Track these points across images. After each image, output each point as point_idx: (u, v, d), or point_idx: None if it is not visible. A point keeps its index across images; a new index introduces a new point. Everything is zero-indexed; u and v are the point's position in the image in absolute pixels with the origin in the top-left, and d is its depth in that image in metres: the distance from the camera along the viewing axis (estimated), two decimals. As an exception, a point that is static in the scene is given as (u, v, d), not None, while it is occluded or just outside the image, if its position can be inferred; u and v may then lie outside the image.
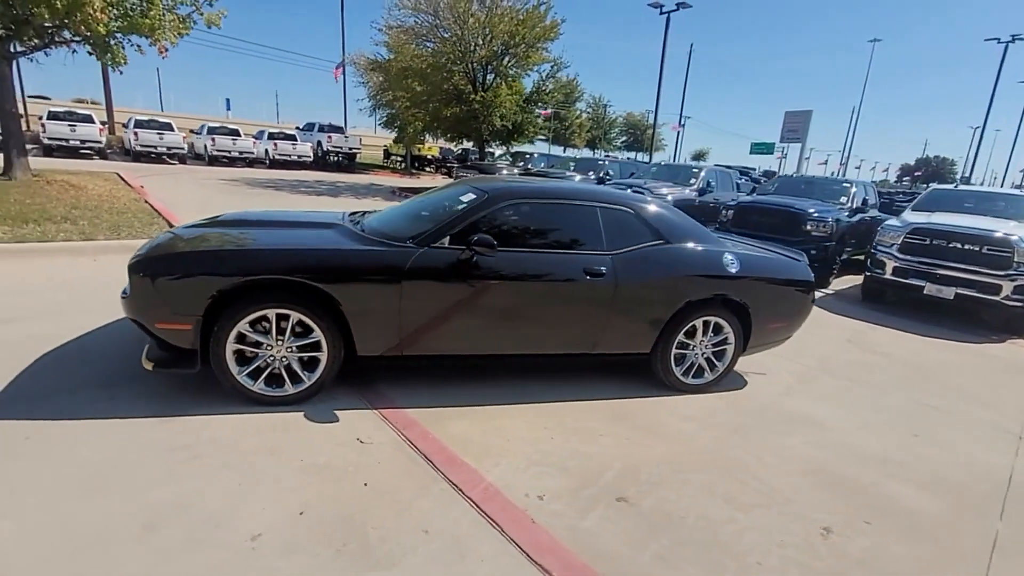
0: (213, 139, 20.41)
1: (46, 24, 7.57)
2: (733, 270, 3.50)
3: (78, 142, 17.06)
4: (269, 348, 2.76)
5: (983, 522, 2.48)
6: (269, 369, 2.80)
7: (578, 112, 56.10)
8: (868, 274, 6.98)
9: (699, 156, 69.45)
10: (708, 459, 2.81)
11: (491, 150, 22.82)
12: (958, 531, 2.40)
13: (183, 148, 19.53)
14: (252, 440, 2.52)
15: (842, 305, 6.81)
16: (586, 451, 2.76)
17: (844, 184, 9.63)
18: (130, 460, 2.29)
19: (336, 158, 24.80)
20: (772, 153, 32.08)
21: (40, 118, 17.33)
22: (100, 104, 27.33)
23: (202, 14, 10.06)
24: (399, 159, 29.49)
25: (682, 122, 40.53)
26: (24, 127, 13.26)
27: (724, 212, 8.98)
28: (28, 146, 11.08)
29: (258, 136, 23.24)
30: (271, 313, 2.70)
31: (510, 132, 17.83)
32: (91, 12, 7.33)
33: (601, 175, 12.97)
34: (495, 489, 2.34)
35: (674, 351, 3.50)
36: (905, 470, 2.88)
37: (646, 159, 34.63)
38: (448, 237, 2.99)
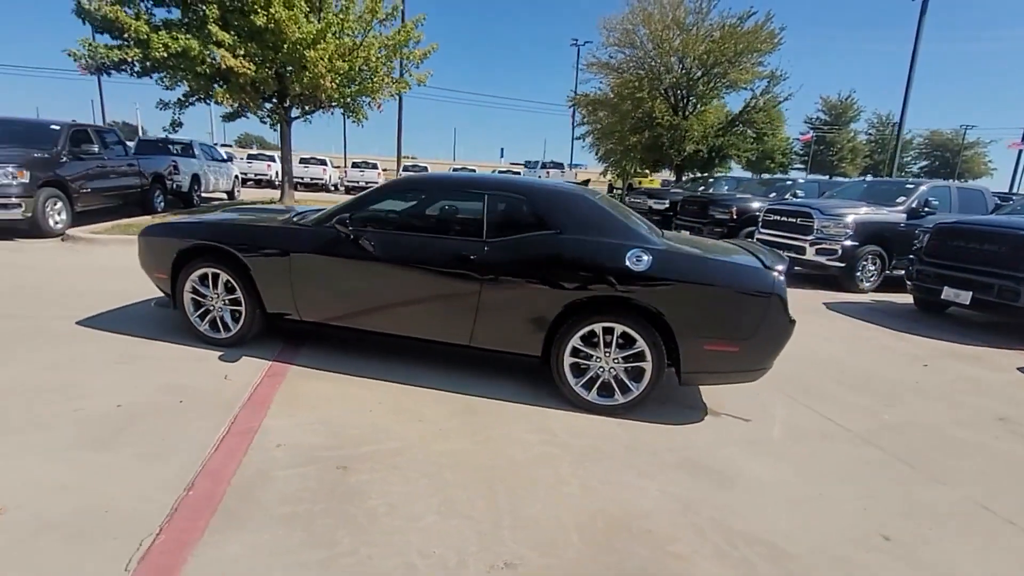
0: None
1: (300, 95, 10.77)
2: (637, 268, 2.90)
3: (308, 179, 23.03)
4: (210, 299, 3.60)
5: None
6: (211, 315, 3.64)
7: (852, 133, 47.36)
8: None
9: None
10: (463, 469, 2.45)
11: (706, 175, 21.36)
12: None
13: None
14: (171, 361, 3.35)
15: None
16: (382, 426, 2.74)
17: None
18: (86, 363, 3.36)
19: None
20: None
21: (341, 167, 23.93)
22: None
23: (412, 75, 12.67)
24: (619, 192, 30.11)
25: None
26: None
27: (920, 237, 6.75)
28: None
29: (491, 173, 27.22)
30: (208, 272, 3.54)
31: (709, 158, 16.54)
32: (326, 85, 10.12)
33: (788, 195, 11.04)
34: (252, 431, 2.60)
35: (568, 359, 3.06)
36: None
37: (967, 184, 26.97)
38: (350, 219, 3.35)
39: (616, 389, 3.05)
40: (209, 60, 9.01)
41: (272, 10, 8.72)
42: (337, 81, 10.44)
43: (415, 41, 11.95)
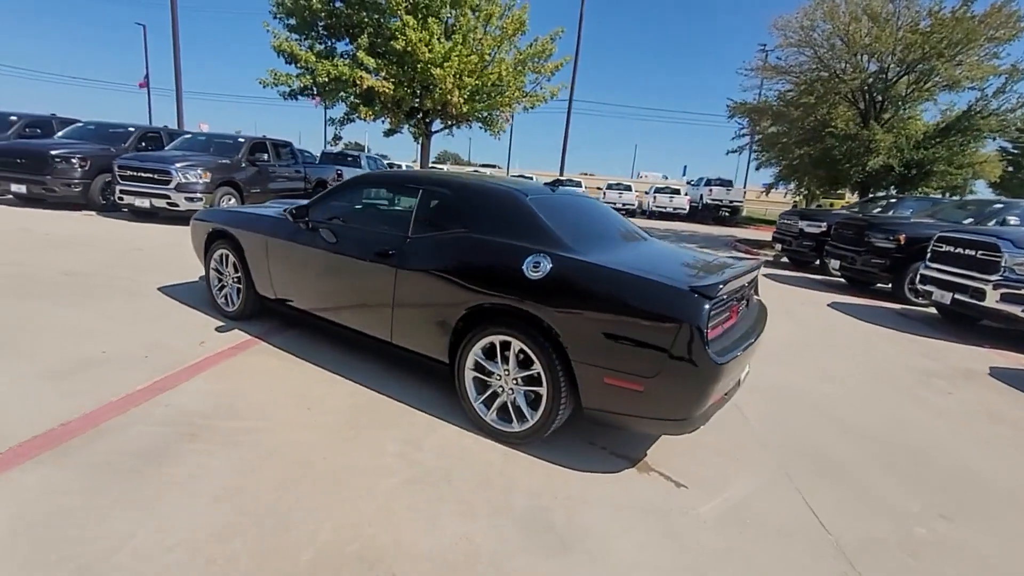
0: (604, 192, 24.34)
1: (432, 110, 11.75)
2: (533, 276, 2.47)
3: None
4: (225, 277, 4.14)
5: None
6: (225, 291, 4.18)
7: None
8: None
9: None
10: (290, 461, 2.32)
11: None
12: None
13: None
14: (182, 325, 3.93)
15: None
16: (268, 405, 2.81)
17: None
18: (129, 317, 4.10)
19: (719, 211, 24.63)
20: None
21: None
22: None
23: (544, 87, 12.88)
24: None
25: None
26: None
27: None
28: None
29: (648, 191, 25.99)
30: (223, 252, 4.07)
31: (907, 175, 13.37)
32: (454, 101, 10.92)
33: (998, 221, 8.29)
34: (162, 390, 2.90)
35: (470, 371, 2.76)
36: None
37: None
38: (309, 211, 3.58)
39: (513, 415, 2.65)
40: (358, 82, 10.44)
41: (408, 34, 9.74)
42: (465, 96, 11.14)
43: (548, 54, 12.15)
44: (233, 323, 4.04)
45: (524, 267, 2.52)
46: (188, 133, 10.82)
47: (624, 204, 23.94)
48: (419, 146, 13.70)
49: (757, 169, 17.74)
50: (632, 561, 1.94)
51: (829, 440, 3.08)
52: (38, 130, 10.89)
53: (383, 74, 10.37)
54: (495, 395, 2.70)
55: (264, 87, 10.77)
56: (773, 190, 18.86)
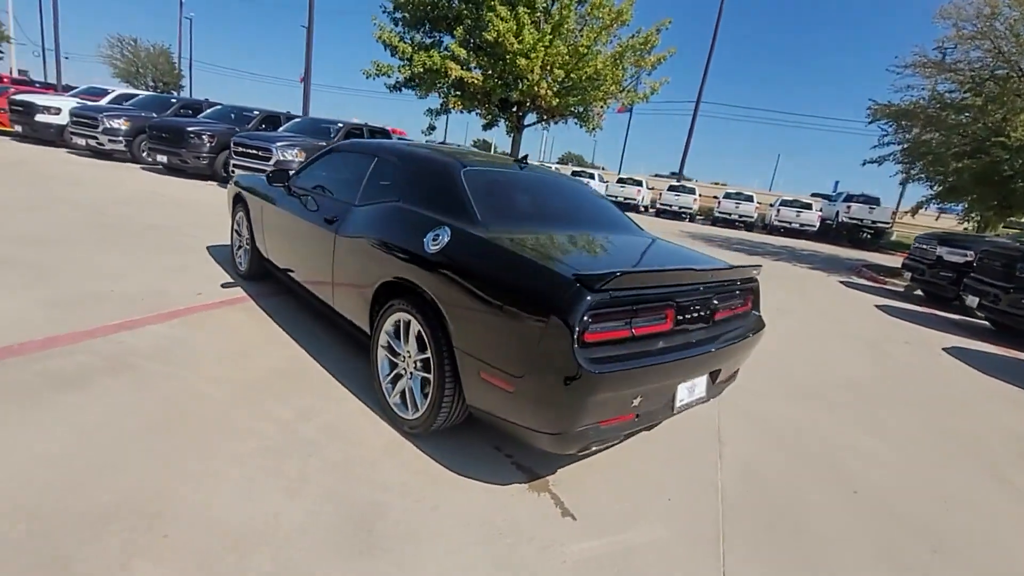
0: (719, 202, 22.40)
1: (521, 102, 11.61)
2: (430, 249, 2.22)
3: (622, 199, 23.14)
4: (241, 239, 4.41)
5: None
6: (240, 251, 4.45)
7: None
8: None
9: None
10: (180, 409, 2.30)
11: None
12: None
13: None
14: (195, 277, 4.26)
15: None
16: (199, 354, 2.89)
17: None
18: (158, 266, 4.54)
19: (860, 233, 21.37)
20: None
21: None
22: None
23: (644, 82, 12.15)
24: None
25: None
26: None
27: None
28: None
29: (773, 203, 23.39)
30: (240, 214, 4.34)
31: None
32: (542, 93, 10.73)
33: None
34: (129, 328, 3.11)
35: (381, 349, 2.58)
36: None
37: None
38: (290, 176, 3.66)
39: (409, 402, 2.41)
40: (450, 72, 10.71)
41: (496, 24, 9.74)
42: (554, 89, 10.88)
43: (652, 46, 11.42)
44: (241, 282, 4.29)
45: (426, 240, 2.28)
46: (298, 117, 11.95)
47: (741, 216, 21.88)
48: (511, 140, 13.74)
49: (901, 184, 15.01)
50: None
51: (824, 514, 2.38)
52: (234, 116, 12.79)
53: (473, 64, 10.52)
54: (399, 376, 2.49)
55: (367, 77, 11.53)
56: (923, 210, 15.83)
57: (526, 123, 13.20)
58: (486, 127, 14.59)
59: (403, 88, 12.80)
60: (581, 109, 12.26)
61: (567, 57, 10.45)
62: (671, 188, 23.33)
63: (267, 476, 2.02)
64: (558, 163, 65.90)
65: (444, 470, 2.22)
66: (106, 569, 1.51)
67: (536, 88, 10.56)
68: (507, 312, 1.90)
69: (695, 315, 2.22)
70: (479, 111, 12.17)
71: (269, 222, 3.77)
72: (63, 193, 7.04)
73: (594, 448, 2.07)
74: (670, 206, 22.61)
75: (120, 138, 11.27)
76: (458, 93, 11.34)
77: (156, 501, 1.80)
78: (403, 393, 2.47)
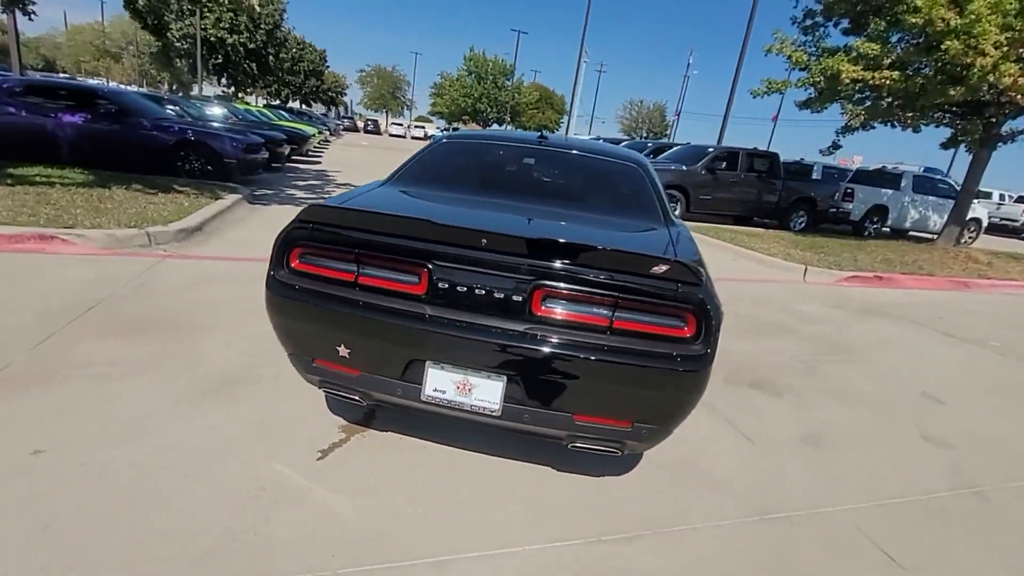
0: None
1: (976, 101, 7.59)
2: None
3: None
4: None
5: None
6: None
7: None
8: None
9: None
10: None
11: None
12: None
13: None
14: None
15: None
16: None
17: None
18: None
19: None
20: None
21: None
22: None
23: None
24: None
25: None
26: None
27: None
28: None
29: None
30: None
31: None
32: (1007, 82, 6.99)
33: None
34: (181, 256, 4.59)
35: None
36: None
37: None
38: None
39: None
40: (847, 75, 8.48)
41: (917, 4, 7.07)
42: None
43: None
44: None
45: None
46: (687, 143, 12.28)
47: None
48: (971, 158, 9.35)
49: None
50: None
51: None
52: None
53: (886, 62, 7.87)
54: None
55: (754, 97, 10.48)
56: None
57: (1002, 131, 8.68)
58: (946, 145, 10.67)
59: (811, 107, 10.97)
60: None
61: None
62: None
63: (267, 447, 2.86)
64: None
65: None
66: None
67: (992, 77, 6.90)
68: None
69: (483, 292, 1.68)
70: (897, 120, 8.94)
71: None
72: None
73: (338, 395, 1.91)
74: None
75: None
76: (862, 98, 8.69)
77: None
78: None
